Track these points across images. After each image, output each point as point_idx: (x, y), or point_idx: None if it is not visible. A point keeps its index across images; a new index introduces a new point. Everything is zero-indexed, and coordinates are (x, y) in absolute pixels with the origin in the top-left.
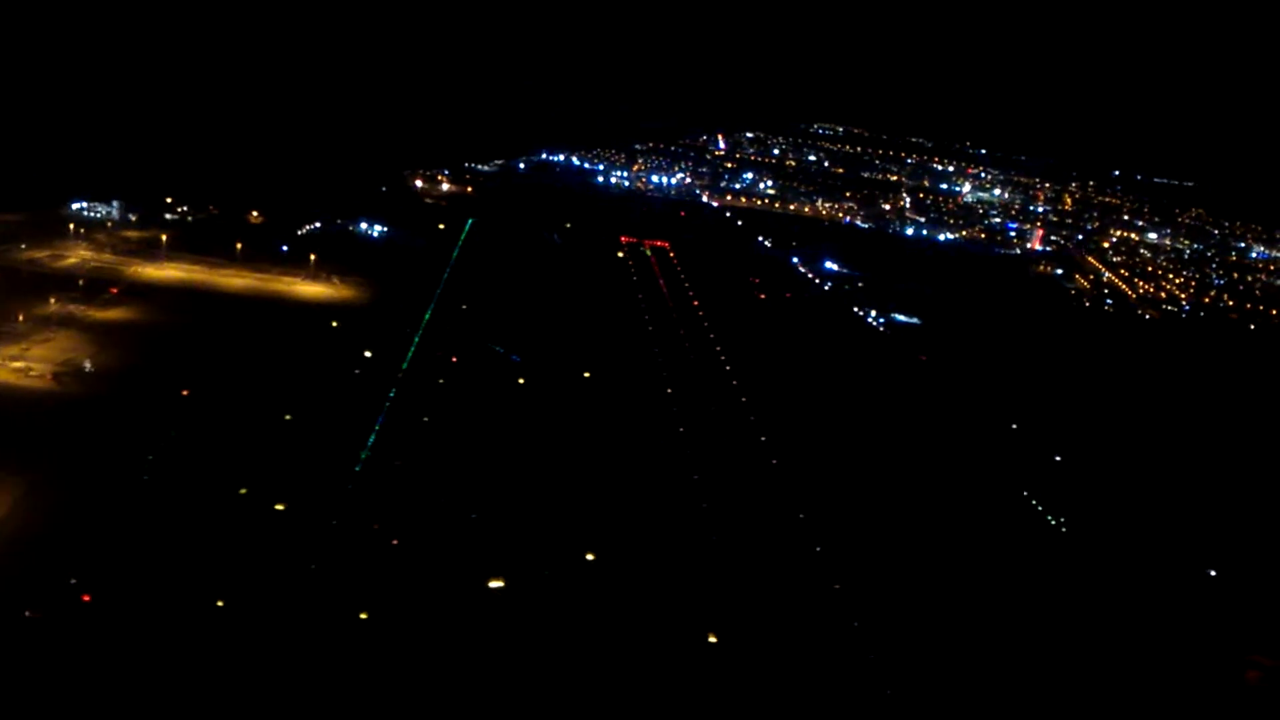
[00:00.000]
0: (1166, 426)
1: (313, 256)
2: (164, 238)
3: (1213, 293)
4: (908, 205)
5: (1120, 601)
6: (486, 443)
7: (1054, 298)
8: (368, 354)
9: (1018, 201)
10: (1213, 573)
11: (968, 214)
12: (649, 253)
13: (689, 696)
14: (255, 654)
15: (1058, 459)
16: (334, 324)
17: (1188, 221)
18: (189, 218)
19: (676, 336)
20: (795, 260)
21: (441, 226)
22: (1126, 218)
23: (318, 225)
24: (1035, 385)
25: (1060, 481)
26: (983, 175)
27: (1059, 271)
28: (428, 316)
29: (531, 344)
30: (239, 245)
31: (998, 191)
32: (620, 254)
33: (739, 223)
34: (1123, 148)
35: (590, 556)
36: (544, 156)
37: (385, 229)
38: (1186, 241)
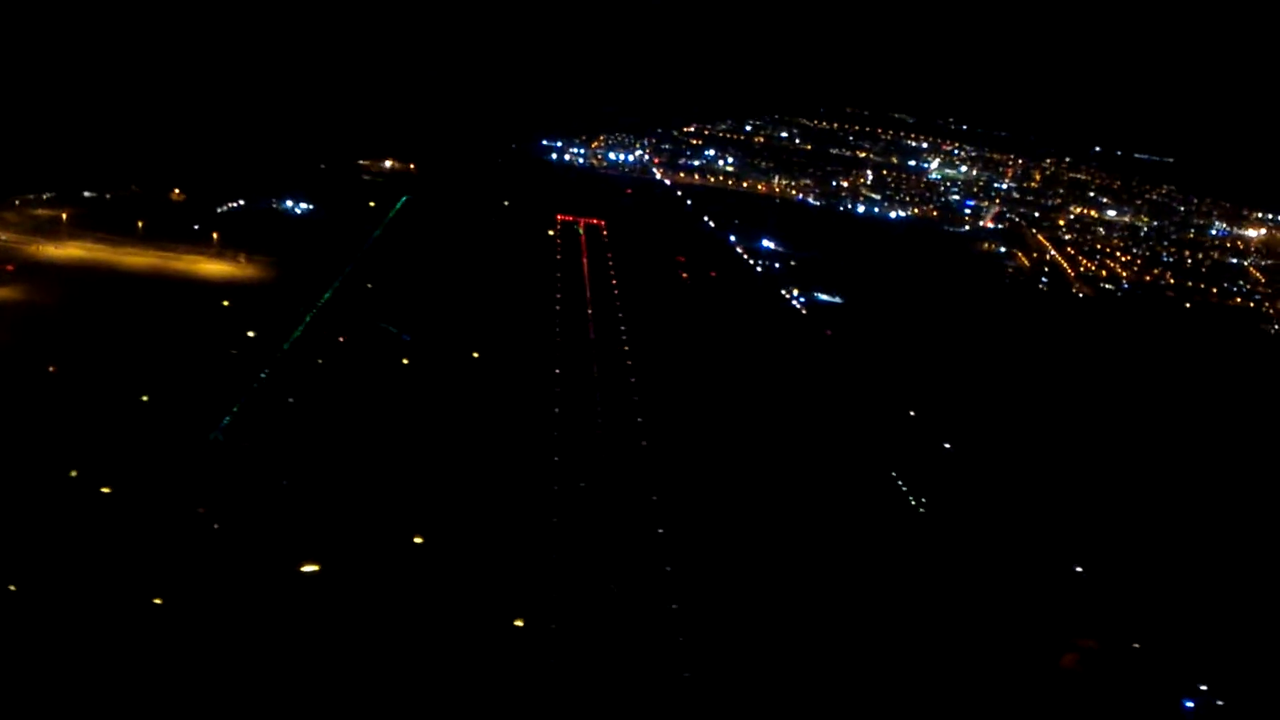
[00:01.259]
0: (1070, 410)
1: (215, 235)
2: (67, 216)
3: (1155, 270)
4: (867, 182)
5: (944, 583)
6: (347, 425)
7: (988, 276)
8: (251, 334)
9: (983, 179)
10: (1075, 565)
11: (928, 191)
12: (581, 231)
13: (483, 684)
14: (26, 642)
15: (946, 446)
16: (225, 303)
17: (1154, 198)
18: (107, 195)
19: (584, 317)
20: (732, 239)
21: (372, 204)
22: (1092, 194)
23: (240, 203)
24: (942, 366)
25: (939, 465)
26: (954, 152)
27: (1002, 249)
28: (328, 296)
29: (432, 324)
30: (150, 223)
31: (964, 168)
32: (551, 233)
33: (686, 201)
34: (1108, 124)
35: (418, 540)
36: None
37: (310, 207)
38: (1146, 219)
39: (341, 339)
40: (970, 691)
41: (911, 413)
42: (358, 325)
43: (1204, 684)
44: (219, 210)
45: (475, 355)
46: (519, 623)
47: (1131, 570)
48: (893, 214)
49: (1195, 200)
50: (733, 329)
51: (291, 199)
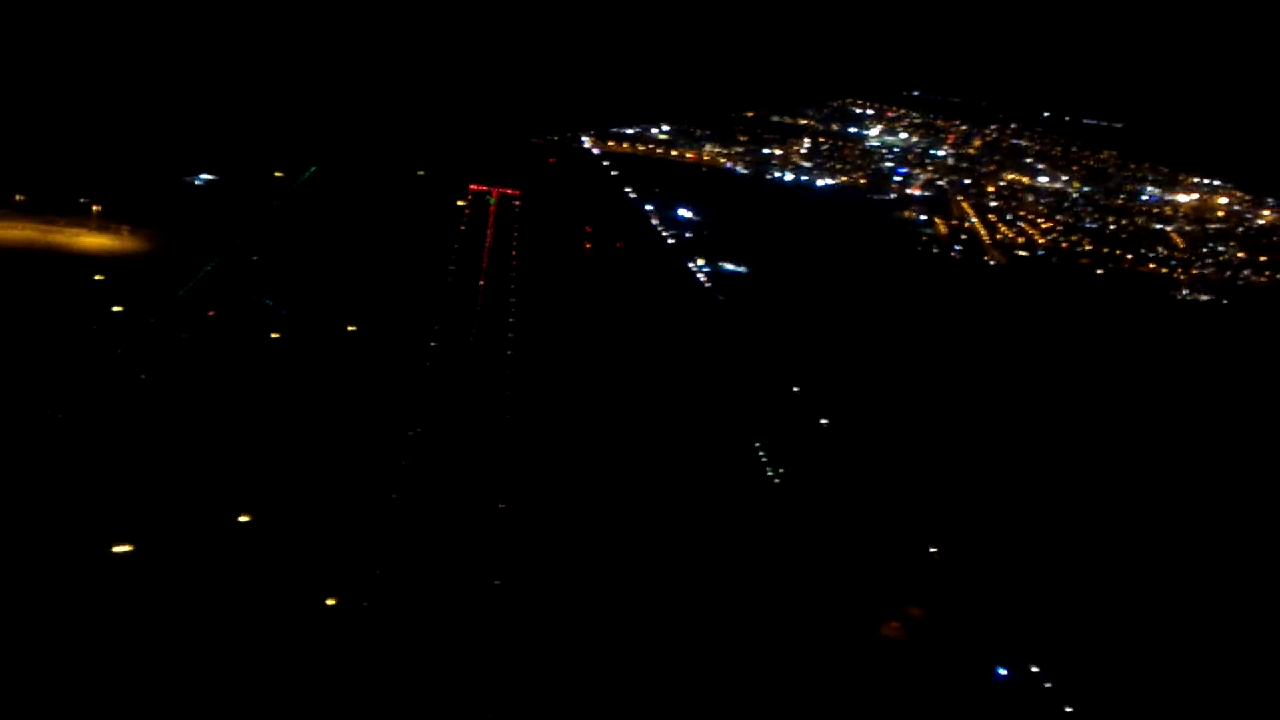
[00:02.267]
0: (957, 380)
1: (95, 207)
2: None
3: (1074, 237)
4: (802, 150)
5: (778, 551)
6: (197, 401)
7: (902, 243)
8: (117, 308)
9: (921, 146)
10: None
11: (861, 159)
12: (493, 201)
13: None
14: None
15: (824, 421)
16: (98, 277)
17: (1092, 164)
18: None
19: (474, 288)
20: (649, 208)
21: (279, 174)
22: (1029, 161)
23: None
24: (834, 336)
25: (809, 438)
26: (898, 119)
27: (922, 217)
28: (208, 268)
29: (313, 297)
30: (32, 195)
31: (904, 135)
32: (461, 203)
33: (612, 170)
34: (1060, 90)
35: (244, 519)
36: None
37: (212, 176)
38: (1077, 184)
39: (211, 313)
40: (787, 658)
41: (795, 388)
42: (233, 299)
43: (1021, 654)
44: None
45: (351, 329)
46: (330, 601)
47: (981, 544)
48: (820, 182)
49: (1133, 166)
50: (625, 299)
51: (189, 171)
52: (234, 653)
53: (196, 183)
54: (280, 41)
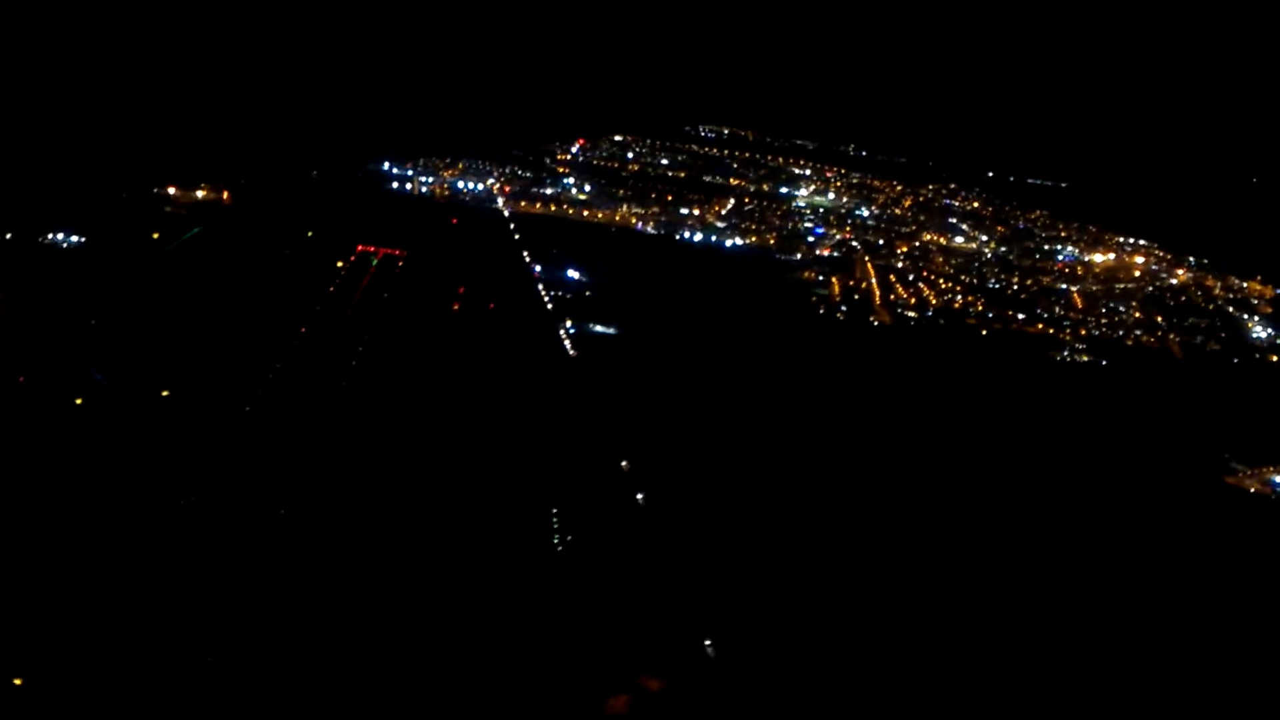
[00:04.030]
0: (796, 446)
1: None
2: None
3: (969, 297)
4: (724, 211)
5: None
6: None
7: (789, 305)
8: None
9: (847, 206)
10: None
11: (783, 219)
12: (375, 263)
13: None
14: None
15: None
16: None
17: (1019, 225)
18: None
19: (318, 351)
20: (538, 269)
21: (156, 236)
22: (953, 221)
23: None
24: (683, 401)
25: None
26: (831, 179)
27: (820, 278)
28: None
29: (147, 362)
30: None
31: (831, 196)
32: (340, 264)
33: (515, 233)
34: (1007, 147)
35: None
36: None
37: (80, 239)
38: (993, 245)
39: (22, 379)
40: None
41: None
42: (52, 365)
43: None
44: None
45: (164, 394)
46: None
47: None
48: (729, 243)
49: (1060, 225)
50: (473, 359)
51: (64, 230)
52: None
53: (64, 246)
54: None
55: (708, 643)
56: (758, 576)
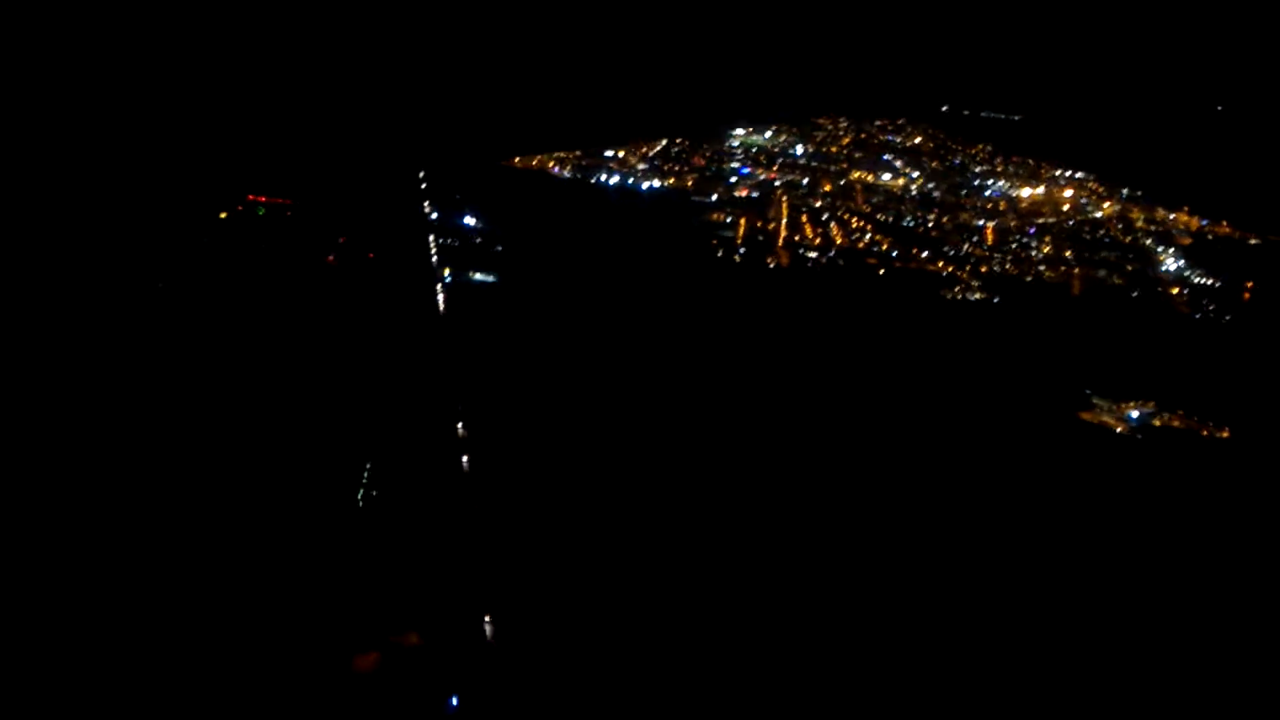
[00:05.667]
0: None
1: None
2: None
3: (878, 236)
4: (649, 154)
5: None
6: None
7: (687, 248)
8: None
9: (782, 145)
10: None
11: (711, 160)
12: (261, 211)
13: None
14: None
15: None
16: None
17: (955, 160)
18: None
19: (166, 310)
20: (435, 216)
21: None
22: (889, 157)
23: None
24: (547, 351)
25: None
26: (770, 119)
27: (729, 219)
28: None
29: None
30: None
31: (769, 134)
32: (223, 214)
33: (422, 180)
34: (966, 79)
35: None
36: None
37: None
38: (921, 180)
39: None
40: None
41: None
42: None
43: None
44: None
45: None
46: None
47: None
48: (645, 185)
49: (1000, 160)
50: (329, 314)
51: None
52: None
53: None
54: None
55: (486, 616)
56: (570, 550)
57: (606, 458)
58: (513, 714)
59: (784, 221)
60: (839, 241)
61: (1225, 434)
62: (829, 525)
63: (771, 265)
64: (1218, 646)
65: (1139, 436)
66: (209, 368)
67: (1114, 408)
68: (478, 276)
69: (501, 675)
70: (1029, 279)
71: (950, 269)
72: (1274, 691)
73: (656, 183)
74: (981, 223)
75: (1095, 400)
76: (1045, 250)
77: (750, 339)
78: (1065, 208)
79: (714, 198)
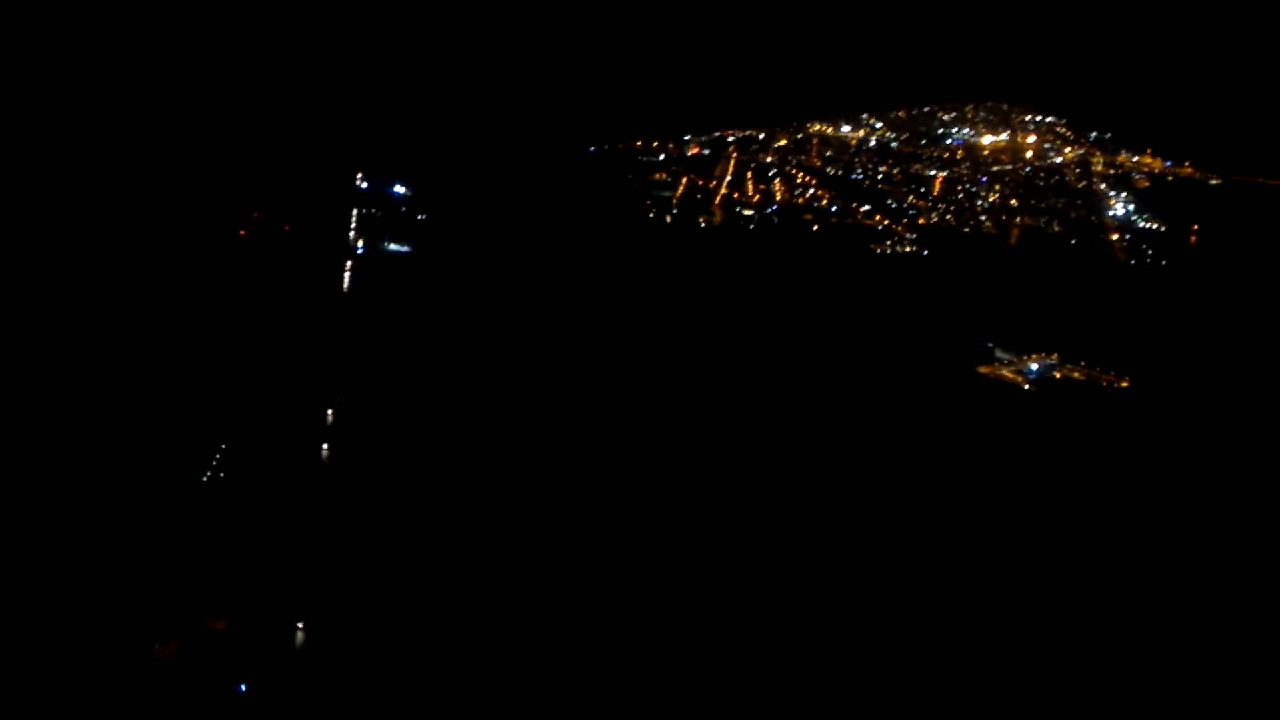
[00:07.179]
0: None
1: None
2: None
3: (821, 191)
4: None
5: None
6: None
7: (620, 209)
8: None
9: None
10: None
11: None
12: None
13: None
14: None
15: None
16: None
17: (918, 111)
18: None
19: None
20: (365, 185)
21: None
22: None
23: None
24: (460, 322)
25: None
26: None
27: (669, 178)
28: None
29: None
30: None
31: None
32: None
33: (354, 147)
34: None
35: None
36: None
37: None
38: (882, 131)
39: None
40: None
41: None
42: None
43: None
44: None
45: None
46: None
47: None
48: (593, 147)
49: (970, 108)
50: (229, 286)
51: None
52: None
53: None
54: None
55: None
56: (405, 550)
57: (482, 448)
58: (303, 704)
59: (727, 179)
60: (779, 198)
61: (1125, 384)
62: (728, 476)
63: (703, 224)
64: (1117, 597)
65: (1032, 389)
66: (81, 342)
67: (1015, 360)
68: (392, 247)
69: (297, 665)
70: (966, 230)
71: (886, 223)
72: (1172, 634)
73: (592, 147)
74: (933, 173)
75: (998, 354)
76: (991, 199)
77: (670, 301)
78: (1028, 154)
79: (661, 157)
